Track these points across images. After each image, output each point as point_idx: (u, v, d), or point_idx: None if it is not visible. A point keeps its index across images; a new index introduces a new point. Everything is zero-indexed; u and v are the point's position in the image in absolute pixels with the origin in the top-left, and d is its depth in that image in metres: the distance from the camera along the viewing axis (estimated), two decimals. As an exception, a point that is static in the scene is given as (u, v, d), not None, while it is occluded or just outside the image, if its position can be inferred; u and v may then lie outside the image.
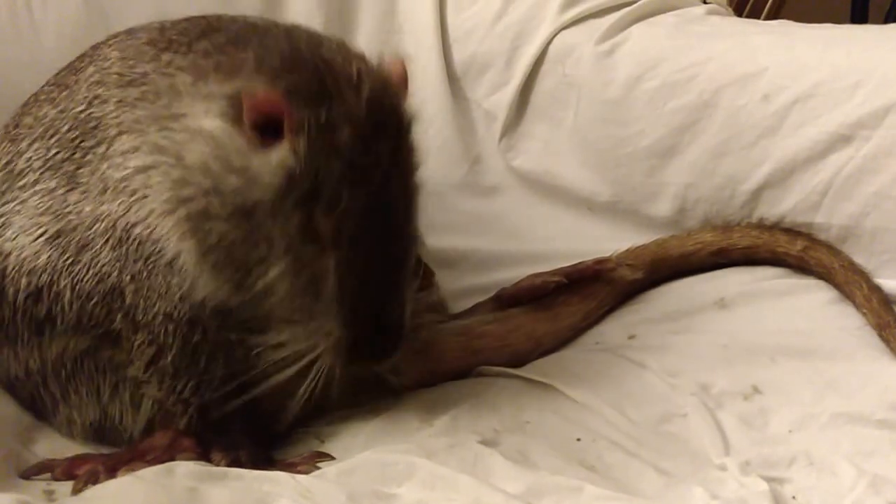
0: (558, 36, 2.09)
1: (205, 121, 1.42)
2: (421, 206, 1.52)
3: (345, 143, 1.39)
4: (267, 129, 1.39)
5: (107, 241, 1.48)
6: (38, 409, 1.58)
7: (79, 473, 1.46)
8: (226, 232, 1.42)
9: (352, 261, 1.41)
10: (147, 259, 1.46)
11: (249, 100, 1.38)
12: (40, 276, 1.50)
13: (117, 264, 1.48)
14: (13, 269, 1.52)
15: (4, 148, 1.60)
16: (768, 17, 2.77)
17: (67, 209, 1.51)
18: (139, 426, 1.55)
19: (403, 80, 1.49)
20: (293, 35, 1.50)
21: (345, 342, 1.43)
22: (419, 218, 1.52)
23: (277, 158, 1.38)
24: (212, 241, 1.43)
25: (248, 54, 1.46)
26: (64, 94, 1.58)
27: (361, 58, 1.48)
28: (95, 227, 1.49)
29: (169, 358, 1.49)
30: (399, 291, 1.47)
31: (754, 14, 2.79)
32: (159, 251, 1.45)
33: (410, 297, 1.50)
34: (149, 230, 1.45)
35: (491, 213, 2.08)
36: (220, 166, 1.41)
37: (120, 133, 1.49)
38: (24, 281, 1.51)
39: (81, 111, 1.54)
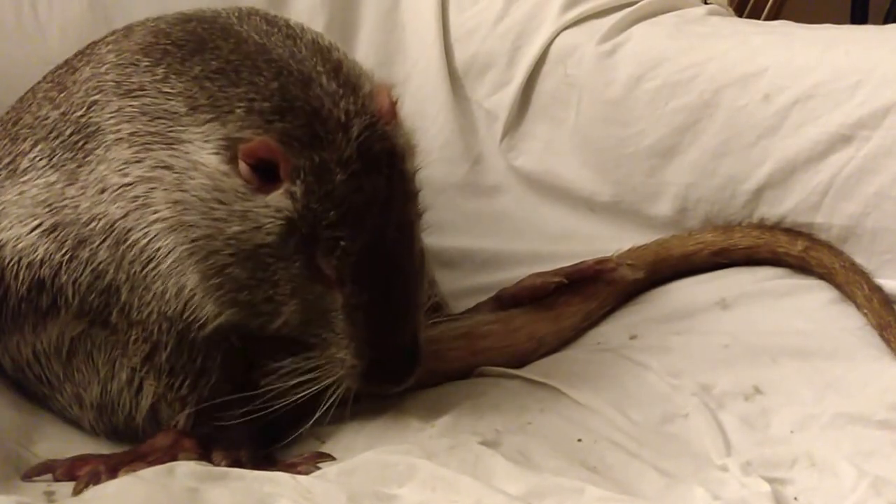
0: (560, 36, 2.09)
1: (203, 155, 1.44)
2: (421, 232, 1.54)
3: (338, 186, 1.41)
4: (263, 172, 1.41)
5: (104, 240, 1.49)
6: (46, 392, 1.60)
7: (80, 474, 1.47)
8: (230, 270, 1.44)
9: (358, 298, 1.44)
10: (145, 264, 1.47)
11: (245, 147, 1.41)
12: (41, 268, 1.52)
13: (113, 263, 1.49)
14: (11, 260, 1.53)
15: (6, 147, 1.61)
16: (769, 18, 2.77)
17: (64, 202, 1.52)
18: (142, 410, 1.56)
19: (392, 110, 1.50)
20: (283, 71, 1.48)
21: (360, 369, 1.47)
22: (421, 245, 1.55)
23: (275, 204, 1.41)
24: (216, 273, 1.44)
25: (240, 91, 1.46)
26: (62, 94, 1.59)
27: (352, 91, 1.47)
28: (92, 226, 1.50)
29: (164, 356, 1.50)
30: (410, 319, 1.49)
31: (755, 14, 2.78)
32: (157, 260, 1.46)
33: (422, 322, 1.53)
34: (147, 239, 1.46)
35: (492, 212, 2.08)
36: (222, 208, 1.43)
37: (118, 140, 1.50)
38: (24, 273, 1.52)
39: (81, 116, 1.54)
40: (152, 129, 1.48)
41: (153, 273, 1.47)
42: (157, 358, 1.51)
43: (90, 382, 1.56)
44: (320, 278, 1.43)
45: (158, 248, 1.46)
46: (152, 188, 1.46)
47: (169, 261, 1.46)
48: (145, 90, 1.51)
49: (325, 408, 1.48)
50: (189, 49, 1.53)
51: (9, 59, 1.97)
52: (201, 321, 1.48)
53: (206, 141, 1.44)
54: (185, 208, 1.44)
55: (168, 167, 1.46)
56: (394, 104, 1.50)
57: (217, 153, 1.43)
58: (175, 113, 1.48)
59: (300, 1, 2.13)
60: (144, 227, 1.46)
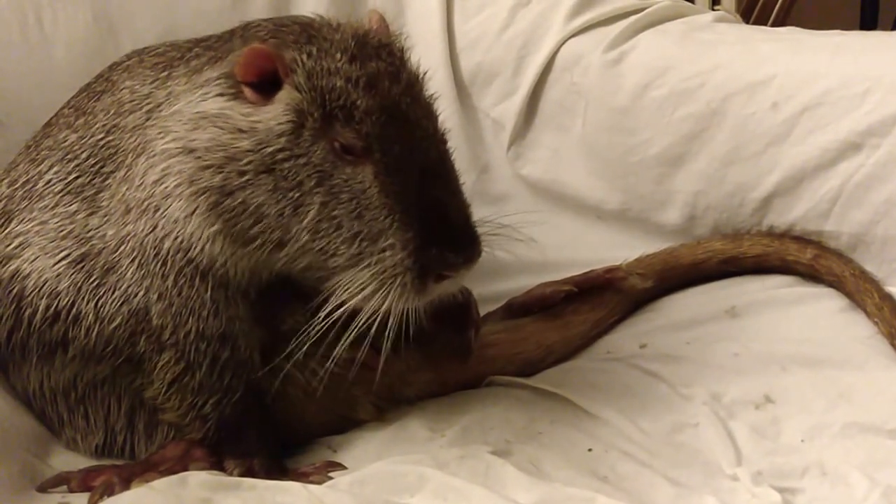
0: (566, 44, 2.09)
1: (202, 105, 1.46)
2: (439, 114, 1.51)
3: (341, 65, 1.42)
4: (264, 86, 1.42)
5: (133, 260, 1.49)
6: (48, 424, 1.60)
7: (94, 485, 1.47)
8: (249, 197, 1.43)
9: (389, 164, 1.41)
10: (178, 273, 1.47)
11: (240, 64, 1.42)
12: (61, 299, 1.52)
13: (144, 283, 1.49)
14: (32, 291, 1.53)
15: (24, 168, 1.62)
16: (776, 23, 2.77)
17: (90, 233, 1.52)
18: (151, 449, 1.56)
19: (382, 26, 1.51)
20: (274, 17, 1.55)
21: (416, 243, 1.39)
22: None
23: (282, 102, 1.42)
24: (238, 215, 1.43)
25: (235, 40, 1.51)
26: (81, 120, 1.60)
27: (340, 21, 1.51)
28: (121, 249, 1.50)
29: (197, 376, 1.50)
30: (452, 188, 1.45)
31: (762, 20, 2.78)
32: (192, 259, 1.46)
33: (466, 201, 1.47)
34: (179, 239, 1.46)
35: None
36: (228, 136, 1.43)
37: (137, 156, 1.51)
38: (43, 303, 1.52)
39: (100, 139, 1.56)
40: (158, 125, 1.49)
41: (188, 280, 1.46)
42: (187, 378, 1.50)
43: (92, 432, 1.57)
44: (346, 157, 1.41)
45: (191, 243, 1.45)
46: (167, 184, 1.46)
47: (200, 248, 1.45)
48: (151, 94, 1.54)
49: (393, 326, 1.40)
50: (189, 46, 1.58)
51: (14, 72, 1.96)
52: (236, 283, 1.47)
53: (206, 91, 1.46)
54: (198, 173, 1.44)
55: (170, 152, 1.46)
56: (385, 23, 1.52)
57: (218, 94, 1.45)
58: (175, 92, 1.51)
59: (304, 9, 2.13)
60: (173, 230, 1.46)
